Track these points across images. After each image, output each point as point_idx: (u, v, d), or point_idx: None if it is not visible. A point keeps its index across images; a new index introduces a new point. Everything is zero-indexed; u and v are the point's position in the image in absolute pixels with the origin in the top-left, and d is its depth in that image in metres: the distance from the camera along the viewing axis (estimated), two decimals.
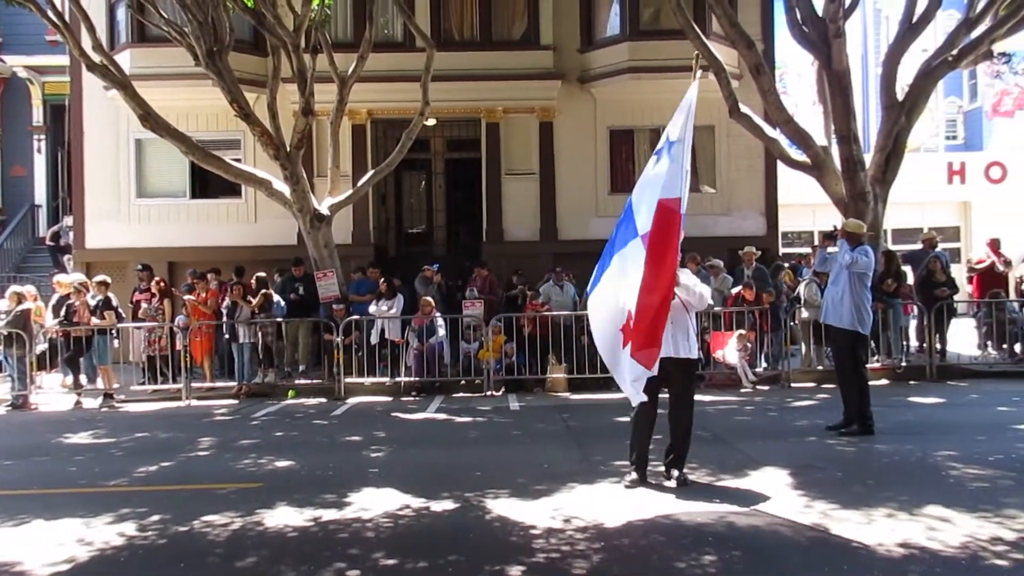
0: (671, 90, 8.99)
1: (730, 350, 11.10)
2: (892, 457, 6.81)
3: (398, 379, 11.61)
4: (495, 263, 14.20)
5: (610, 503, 5.59)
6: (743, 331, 11.21)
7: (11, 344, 11.22)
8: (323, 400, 11.24)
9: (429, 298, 11.93)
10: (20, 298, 11.51)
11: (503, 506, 5.59)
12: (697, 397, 6.60)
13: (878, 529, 4.86)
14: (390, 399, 11.24)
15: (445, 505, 5.69)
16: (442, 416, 9.85)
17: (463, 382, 11.66)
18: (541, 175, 15.41)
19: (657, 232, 5.68)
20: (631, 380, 5.66)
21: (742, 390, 10.97)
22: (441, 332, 11.80)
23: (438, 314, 11.89)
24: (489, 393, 11.23)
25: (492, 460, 7.15)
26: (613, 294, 5.96)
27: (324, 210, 12.73)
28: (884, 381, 11.23)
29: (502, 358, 11.60)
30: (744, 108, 12.39)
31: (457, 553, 4.69)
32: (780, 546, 4.71)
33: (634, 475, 5.98)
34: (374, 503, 5.75)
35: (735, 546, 4.67)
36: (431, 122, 14.64)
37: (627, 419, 6.22)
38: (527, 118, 15.37)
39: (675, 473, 5.98)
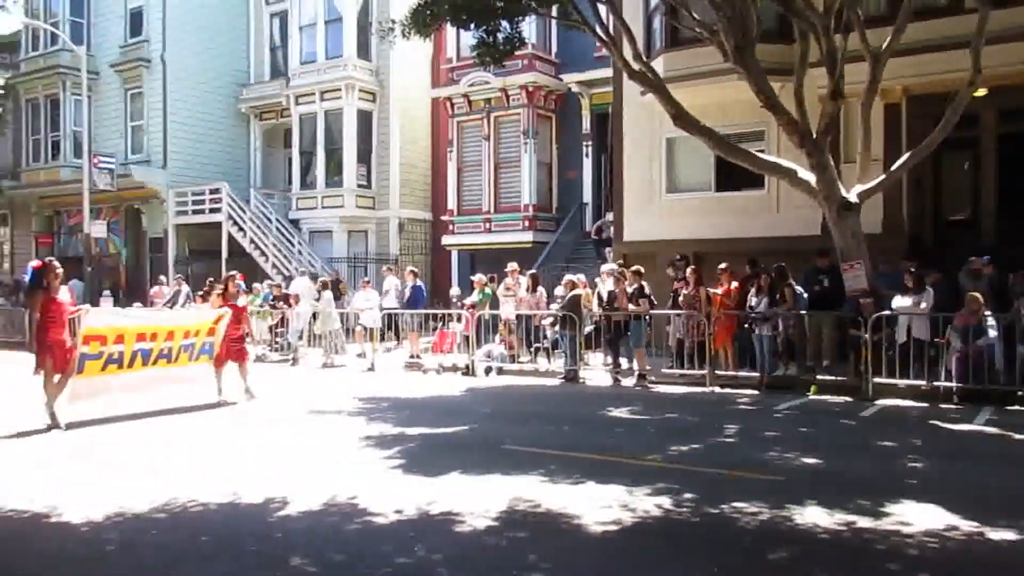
0: None
1: None
2: None
3: (937, 383, 10.40)
4: None
5: None
6: None
7: (565, 325, 12.99)
8: (848, 399, 10.63)
9: (978, 294, 10.42)
10: (573, 285, 13.27)
11: None
12: None
13: None
14: (925, 405, 10.12)
15: (1005, 535, 4.90)
16: (993, 430, 8.54)
17: (1021, 393, 9.94)
18: None
19: None
20: None
21: None
22: (992, 333, 10.22)
23: (988, 313, 10.32)
24: None
25: None
26: None
27: (852, 198, 12.00)
28: None
29: None
30: None
31: None
32: None
33: None
34: (915, 518, 5.22)
35: None
36: (981, 92, 12.73)
37: None
38: None
39: None
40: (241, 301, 11.70)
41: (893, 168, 12.34)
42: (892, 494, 5.76)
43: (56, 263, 9.33)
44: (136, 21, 25.67)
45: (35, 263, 9.44)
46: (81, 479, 6.58)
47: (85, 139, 23.89)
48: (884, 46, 11.80)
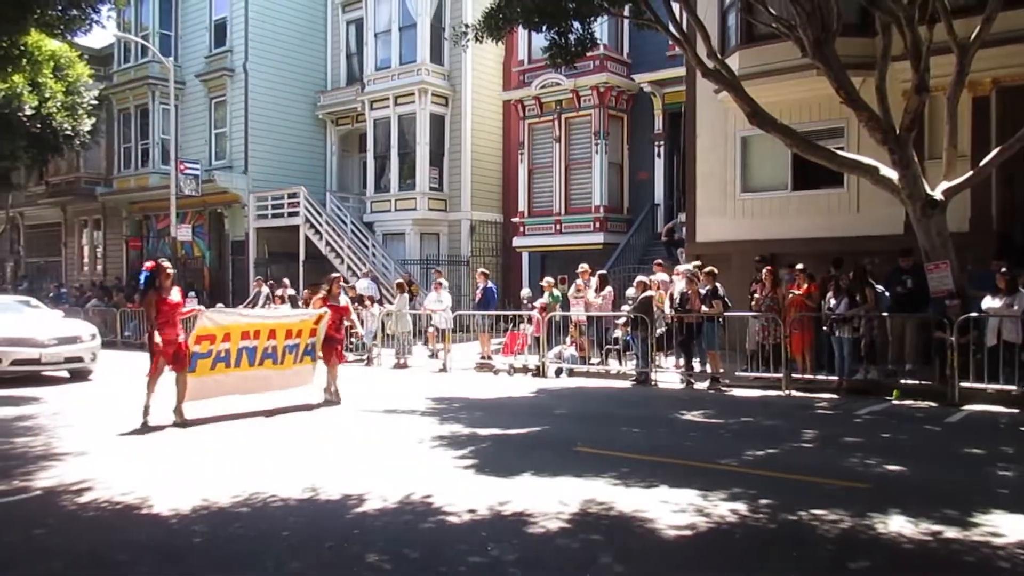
0: None
1: None
2: None
3: None
4: None
5: None
6: None
7: (636, 327, 12.89)
8: (933, 404, 10.24)
9: None
10: (645, 286, 13.15)
11: None
12: None
13: None
14: (1016, 411, 9.67)
15: None
16: None
17: None
18: None
19: None
20: None
21: None
22: None
23: None
24: None
25: None
26: None
27: (938, 195, 11.57)
28: None
29: None
30: None
31: None
32: None
33: None
34: (1007, 529, 5.00)
35: None
36: None
37: None
38: None
39: None
40: (342, 300, 11.74)
41: (982, 163, 11.84)
42: (981, 504, 5.54)
43: (167, 264, 9.44)
44: (220, 32, 26.63)
45: (148, 264, 9.52)
46: (173, 474, 6.86)
47: (172, 146, 24.96)
48: (973, 36, 11.35)
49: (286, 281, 20.62)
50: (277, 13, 26.33)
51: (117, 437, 8.55)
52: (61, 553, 4.92)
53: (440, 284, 17.13)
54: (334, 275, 12.71)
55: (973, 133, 13.31)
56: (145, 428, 8.92)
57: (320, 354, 11.05)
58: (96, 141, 27.45)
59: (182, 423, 9.07)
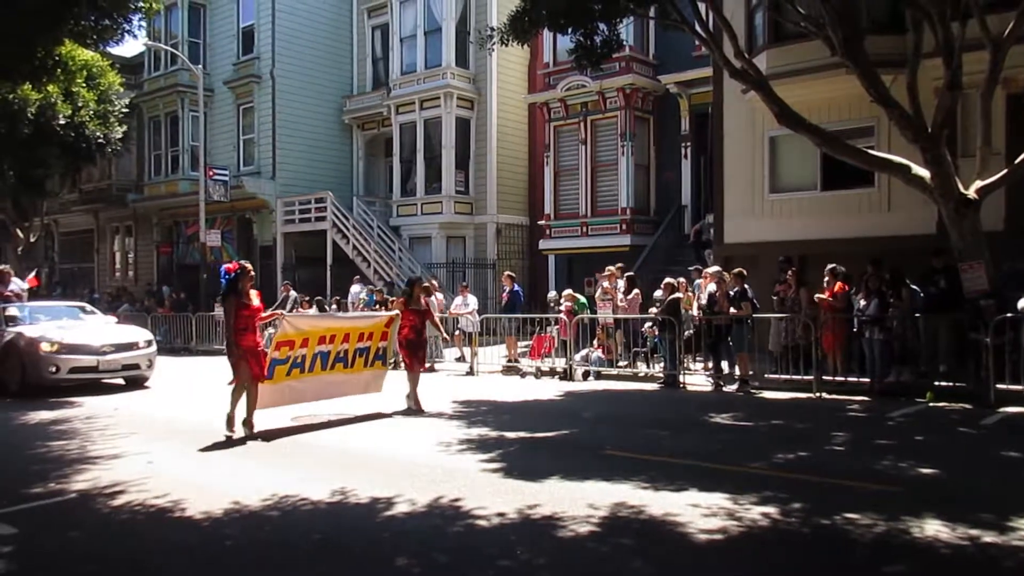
0: None
1: None
2: None
3: None
4: None
5: None
6: None
7: (664, 328, 12.81)
8: (967, 406, 10.06)
9: None
10: (672, 288, 13.07)
11: None
12: None
13: None
14: None
15: None
16: None
17: None
18: None
19: None
20: None
21: None
22: None
23: None
24: None
25: None
26: None
27: (971, 194, 11.36)
28: None
29: None
30: None
31: None
32: None
33: None
34: None
35: None
36: None
37: None
38: None
39: None
40: (435, 298, 11.21)
41: (1017, 161, 11.61)
42: (1019, 508, 5.42)
43: (249, 265, 8.92)
44: (248, 39, 26.95)
45: (228, 266, 8.87)
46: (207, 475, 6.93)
47: (201, 153, 25.28)
48: (1007, 32, 11.14)
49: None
50: (303, 20, 26.57)
51: (199, 452, 8.06)
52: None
53: (465, 287, 17.17)
54: (416, 276, 12.28)
55: (1008, 131, 13.07)
56: (230, 441, 8.52)
57: (393, 359, 10.54)
58: (127, 149, 27.94)
59: (253, 435, 8.62)
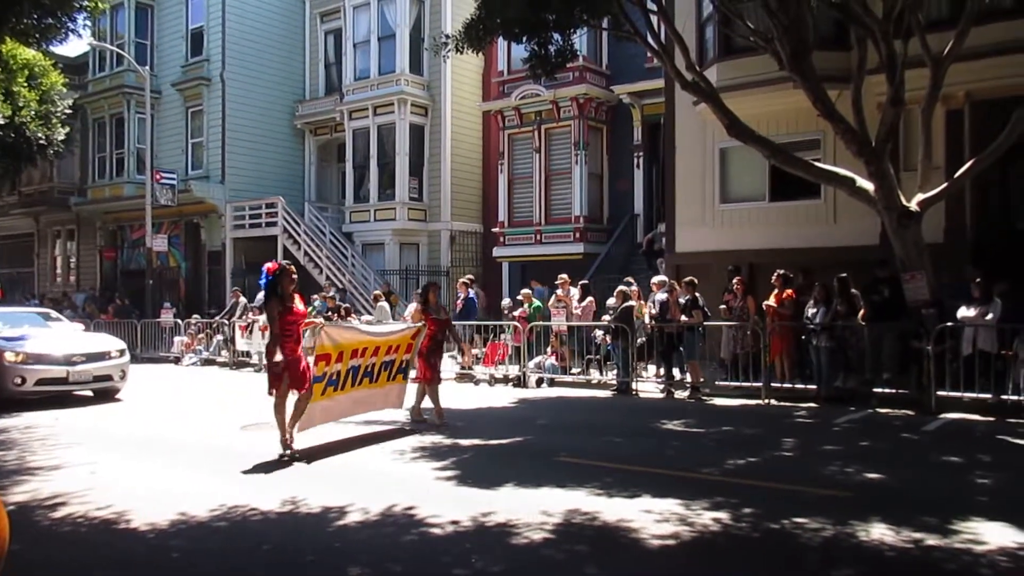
0: None
1: None
2: None
3: (1004, 397, 10.05)
4: None
5: None
6: None
7: (617, 336, 12.91)
8: (910, 413, 10.33)
9: None
10: (625, 296, 13.19)
11: None
12: None
13: None
14: (992, 419, 9.79)
15: None
16: None
17: None
18: None
19: None
20: None
21: None
22: None
23: None
24: None
25: None
26: None
27: (913, 206, 11.72)
28: None
29: None
30: None
31: None
32: None
33: None
34: (988, 536, 5.04)
35: None
36: None
37: None
38: None
39: None
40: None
41: (956, 175, 12.01)
42: (961, 511, 5.58)
43: (291, 266, 8.11)
44: (197, 41, 26.48)
45: (269, 266, 8.01)
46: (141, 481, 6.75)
47: (148, 156, 24.70)
48: (946, 51, 11.53)
49: None
50: (254, 22, 26.21)
51: (245, 475, 7.22)
52: None
53: (418, 294, 17.04)
54: (432, 281, 11.65)
55: (947, 145, 13.50)
56: (286, 459, 7.77)
57: (415, 374, 9.96)
58: (70, 150, 27.12)
59: (290, 452, 7.80)
